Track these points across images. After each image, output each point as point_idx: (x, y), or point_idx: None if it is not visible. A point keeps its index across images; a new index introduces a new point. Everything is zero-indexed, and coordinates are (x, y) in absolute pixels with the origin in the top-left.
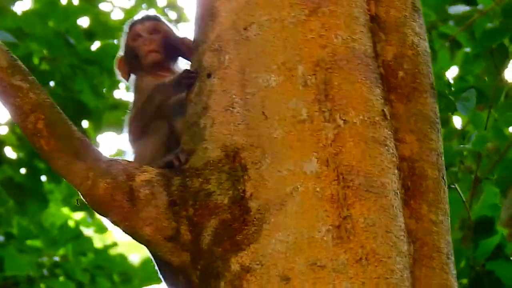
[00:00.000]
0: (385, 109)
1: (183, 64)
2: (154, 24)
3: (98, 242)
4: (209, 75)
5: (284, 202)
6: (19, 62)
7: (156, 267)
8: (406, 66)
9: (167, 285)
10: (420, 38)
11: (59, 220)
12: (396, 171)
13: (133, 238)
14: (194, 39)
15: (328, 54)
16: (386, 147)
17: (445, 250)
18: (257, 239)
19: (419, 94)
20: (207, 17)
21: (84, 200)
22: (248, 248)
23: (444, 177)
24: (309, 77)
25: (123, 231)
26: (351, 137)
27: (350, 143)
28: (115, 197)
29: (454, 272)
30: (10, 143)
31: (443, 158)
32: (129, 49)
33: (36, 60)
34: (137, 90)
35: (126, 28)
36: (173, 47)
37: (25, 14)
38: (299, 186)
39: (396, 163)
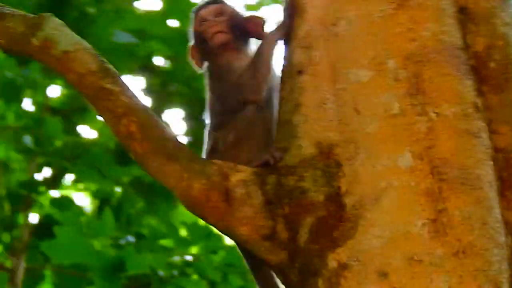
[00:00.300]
0: (477, 101)
1: (254, 45)
2: (219, 7)
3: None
4: (299, 72)
5: (379, 197)
6: (110, 66)
7: (248, 266)
8: (497, 56)
9: (258, 284)
10: (510, 28)
11: (189, 219)
12: (491, 162)
13: (230, 237)
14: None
15: (417, 47)
16: (480, 139)
17: None
18: (353, 235)
19: (511, 84)
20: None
21: (180, 201)
22: (344, 245)
23: None
24: (399, 71)
25: (220, 231)
26: (444, 130)
27: (443, 136)
28: (210, 198)
29: None
30: None
31: None
32: (197, 35)
33: (157, 56)
34: (214, 74)
35: (192, 15)
36: (241, 28)
37: (146, 13)
38: (393, 181)
39: (491, 154)
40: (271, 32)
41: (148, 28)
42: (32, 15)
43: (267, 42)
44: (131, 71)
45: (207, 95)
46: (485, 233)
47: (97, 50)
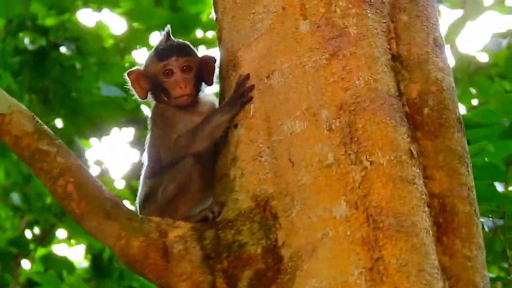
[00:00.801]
0: (411, 147)
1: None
2: (187, 61)
3: None
4: (235, 126)
5: (316, 248)
6: (45, 127)
7: None
8: (431, 102)
9: None
10: (444, 73)
11: None
12: (426, 208)
13: None
14: (219, 90)
15: (351, 96)
16: (415, 186)
17: (481, 284)
18: (291, 287)
19: (445, 129)
20: (230, 68)
21: (119, 260)
22: None
23: (477, 211)
24: (333, 120)
25: None
26: (379, 178)
27: (377, 184)
28: (149, 255)
29: None
30: (126, 197)
31: (474, 192)
32: (157, 81)
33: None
34: (167, 121)
35: (155, 52)
36: (198, 74)
37: (132, 66)
38: (329, 231)
39: (426, 200)
40: (224, 109)
41: None
42: None
43: (216, 120)
44: (118, 124)
45: (148, 133)
46: (422, 280)
47: (83, 104)
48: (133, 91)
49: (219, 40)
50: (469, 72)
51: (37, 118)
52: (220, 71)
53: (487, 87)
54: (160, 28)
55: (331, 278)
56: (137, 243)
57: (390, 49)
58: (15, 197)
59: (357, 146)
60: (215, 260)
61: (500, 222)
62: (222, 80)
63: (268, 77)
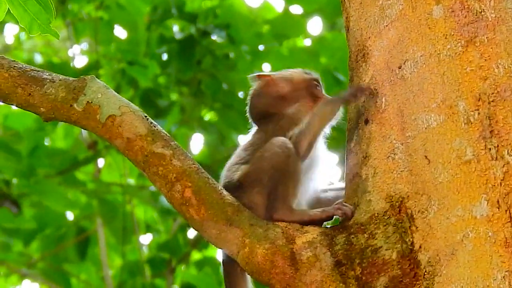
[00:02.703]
0: None
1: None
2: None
3: None
4: (366, 121)
5: (455, 251)
6: (159, 128)
7: None
8: None
9: None
10: None
11: None
12: None
13: None
14: (349, 82)
15: (490, 86)
16: None
17: None
18: None
19: None
20: (359, 58)
21: (244, 269)
22: None
23: None
24: (471, 113)
25: None
26: None
27: None
28: (275, 263)
29: None
30: None
31: None
32: (304, 87)
33: None
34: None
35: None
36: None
37: (295, 51)
38: (469, 232)
39: None
40: (334, 99)
41: (295, 65)
42: (73, 78)
43: (326, 108)
44: None
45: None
46: None
47: (237, 97)
48: (255, 97)
49: (347, 28)
50: None
51: (150, 119)
52: (349, 61)
53: None
54: (319, 12)
55: (472, 283)
56: (262, 250)
57: None
58: (164, 200)
59: (497, 139)
60: (347, 266)
61: None
62: (351, 70)
63: (400, 67)
